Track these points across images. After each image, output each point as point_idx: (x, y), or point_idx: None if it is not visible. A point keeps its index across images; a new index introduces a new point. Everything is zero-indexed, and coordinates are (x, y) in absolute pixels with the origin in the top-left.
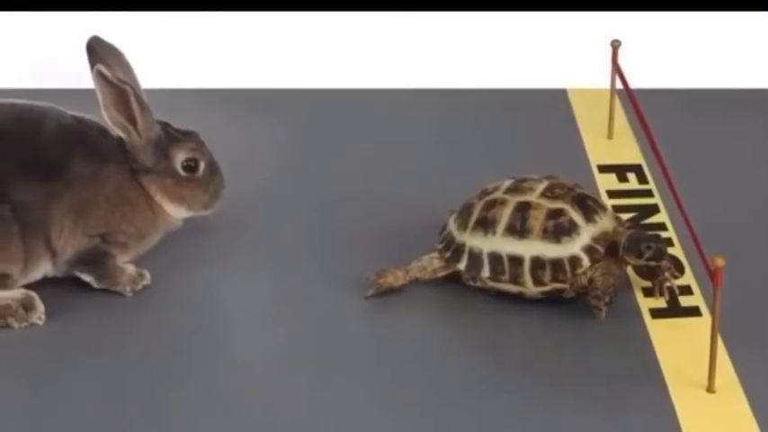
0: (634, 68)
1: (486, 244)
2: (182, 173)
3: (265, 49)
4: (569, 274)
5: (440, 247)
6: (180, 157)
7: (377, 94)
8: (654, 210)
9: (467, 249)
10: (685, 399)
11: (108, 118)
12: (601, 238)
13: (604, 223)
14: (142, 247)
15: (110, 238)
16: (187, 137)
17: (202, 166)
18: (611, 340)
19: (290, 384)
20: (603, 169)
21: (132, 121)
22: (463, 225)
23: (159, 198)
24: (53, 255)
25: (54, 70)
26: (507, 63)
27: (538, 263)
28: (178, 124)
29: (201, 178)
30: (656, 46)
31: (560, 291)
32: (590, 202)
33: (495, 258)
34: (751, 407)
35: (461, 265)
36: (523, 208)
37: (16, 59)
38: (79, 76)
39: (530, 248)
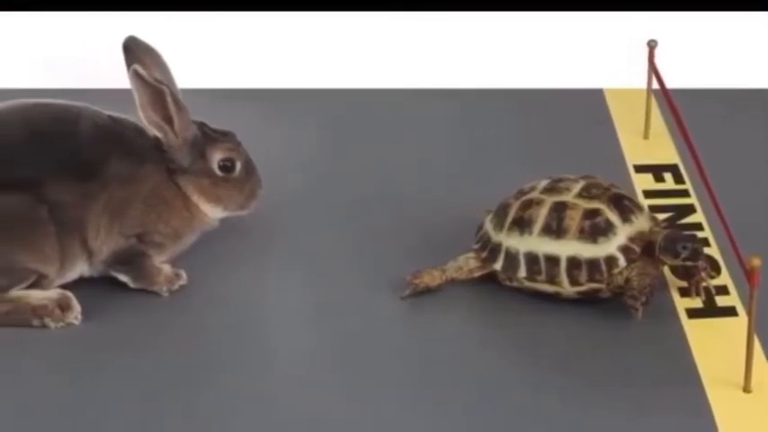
0: (670, 68)
1: (522, 244)
2: (218, 173)
3: (302, 49)
4: (605, 274)
5: (476, 247)
6: (216, 157)
7: (413, 94)
8: (690, 210)
9: (503, 249)
10: (721, 398)
11: (144, 118)
12: (637, 237)
13: (641, 223)
14: (178, 247)
15: (146, 239)
16: (224, 137)
17: (239, 166)
18: (647, 340)
19: (326, 385)
20: (640, 169)
21: (169, 121)
22: (499, 225)
23: (196, 198)
24: (89, 255)
25: (90, 70)
26: (544, 63)
27: (574, 263)
28: (215, 124)
29: (238, 178)
30: (692, 46)
31: (597, 291)
32: (626, 202)
33: (532, 258)
34: None
35: (498, 265)
36: (560, 208)
37: (52, 60)
38: (116, 76)
39: (566, 248)
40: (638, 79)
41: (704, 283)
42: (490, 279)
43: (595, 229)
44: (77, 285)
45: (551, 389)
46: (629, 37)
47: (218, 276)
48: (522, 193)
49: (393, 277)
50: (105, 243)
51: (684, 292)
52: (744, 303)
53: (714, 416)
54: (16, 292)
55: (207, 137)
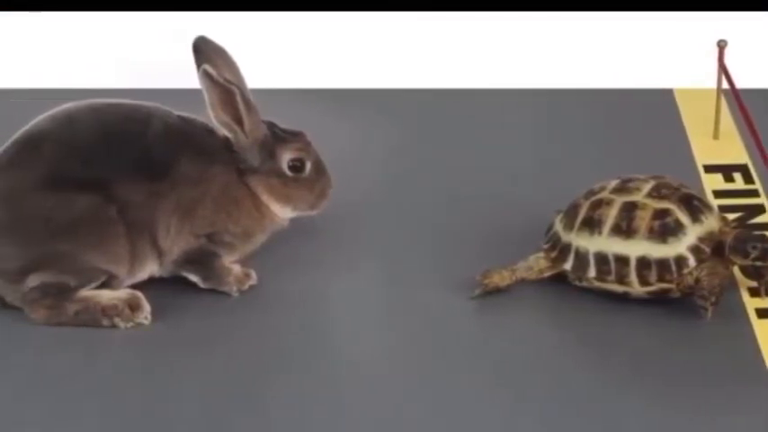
0: (740, 68)
1: (592, 244)
2: (288, 173)
3: (373, 48)
4: (675, 275)
5: (546, 246)
6: (286, 156)
7: (483, 94)
8: (760, 210)
9: (573, 249)
10: None
11: (214, 118)
12: (707, 238)
13: (710, 223)
14: (248, 247)
15: (216, 238)
16: (293, 137)
17: (309, 165)
18: (717, 340)
19: (397, 384)
20: (709, 169)
21: (238, 121)
22: (569, 225)
23: (265, 198)
24: (159, 255)
25: (160, 70)
26: (614, 63)
27: (644, 263)
28: (285, 124)
29: (308, 178)
30: (762, 46)
31: (666, 291)
32: (696, 202)
33: (602, 258)
34: None
35: (567, 265)
36: (630, 208)
37: (123, 60)
38: (185, 76)
39: (636, 248)
40: (708, 79)
41: None
42: (560, 279)
43: (665, 230)
44: (147, 285)
45: (621, 389)
46: (699, 37)
47: (289, 276)
48: (592, 193)
49: (463, 277)
50: (175, 243)
51: (754, 292)
52: None
53: None
54: (86, 292)
55: (277, 137)
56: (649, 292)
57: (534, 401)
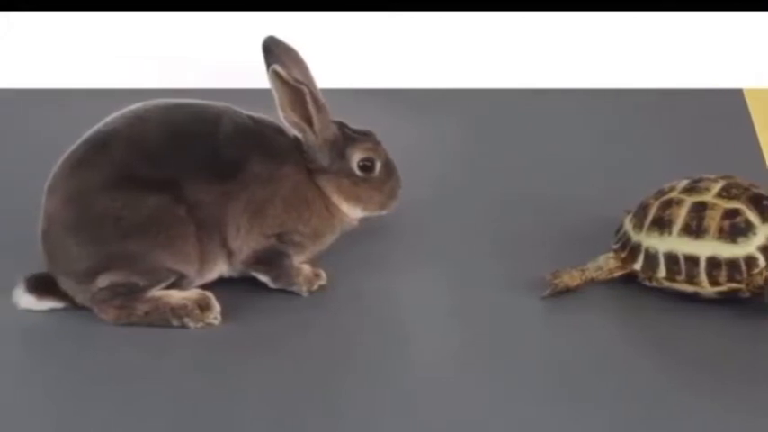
0: None
1: (662, 244)
2: (358, 173)
3: (443, 48)
4: (745, 275)
5: (616, 247)
6: (356, 156)
7: (551, 93)
8: None
9: (643, 249)
10: None
11: (284, 118)
12: None
13: None
14: (318, 247)
15: (286, 238)
16: (363, 137)
17: (378, 165)
18: None
19: (466, 383)
20: None
21: (308, 121)
22: (639, 225)
23: (335, 198)
24: (229, 255)
25: (230, 70)
26: (684, 63)
27: (713, 263)
28: (355, 124)
29: (378, 178)
30: None
31: (736, 291)
32: (766, 202)
33: (672, 258)
34: None
35: (637, 265)
36: (699, 208)
37: (193, 60)
38: (255, 76)
39: (706, 248)
40: None
41: None
42: (630, 279)
43: (735, 229)
44: (217, 286)
45: (691, 388)
46: None
47: (358, 276)
48: (661, 193)
49: (533, 277)
50: (245, 243)
51: None
52: None
53: None
54: (156, 293)
55: (346, 137)
56: (719, 293)
57: (603, 401)
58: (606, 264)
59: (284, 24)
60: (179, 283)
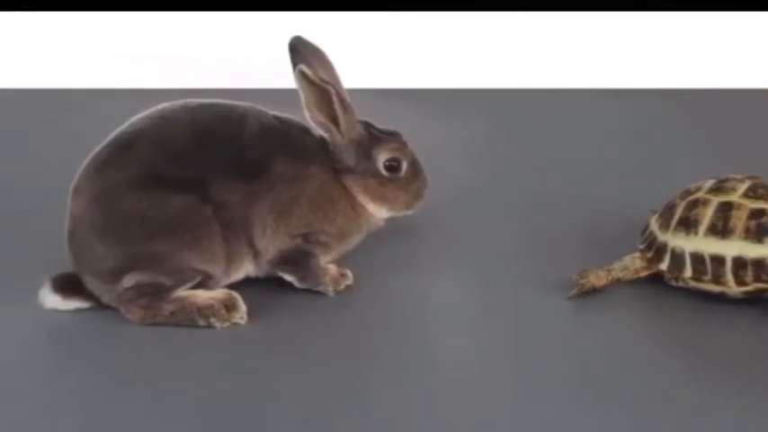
0: None
1: (688, 244)
2: (384, 173)
3: (467, 48)
4: None
5: (642, 247)
6: (382, 157)
7: (578, 93)
8: None
9: (669, 249)
10: None
11: (310, 118)
12: None
13: None
14: (344, 247)
15: (312, 238)
16: (390, 137)
17: (405, 165)
18: None
19: (492, 383)
20: None
21: (334, 121)
22: (665, 225)
23: (361, 198)
24: (255, 255)
25: (256, 70)
26: (711, 63)
27: (740, 263)
28: (381, 124)
29: (404, 178)
30: None
31: (762, 291)
32: None
33: (698, 258)
34: None
35: (664, 265)
36: (726, 208)
37: (218, 60)
38: (281, 75)
39: (732, 248)
40: None
41: None
42: (656, 279)
43: (761, 229)
44: (243, 285)
45: (718, 389)
46: None
47: (384, 276)
48: (688, 193)
49: (559, 277)
50: (271, 243)
51: None
52: None
53: None
54: (182, 292)
55: (373, 137)
56: (745, 293)
57: (628, 402)
58: (632, 264)
59: (309, 24)
60: (205, 283)
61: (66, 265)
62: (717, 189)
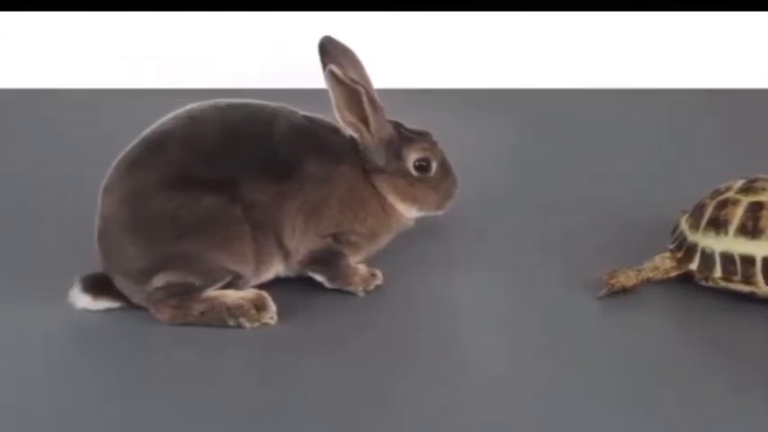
0: None
1: (718, 244)
2: (414, 173)
3: (497, 48)
4: None
5: (672, 247)
6: (412, 157)
7: (608, 94)
8: None
9: (699, 249)
10: None
11: (340, 118)
12: None
13: None
14: (374, 247)
15: (342, 238)
16: (419, 137)
17: (434, 165)
18: None
19: (522, 384)
20: None
21: (364, 121)
22: (695, 225)
23: (391, 198)
24: (285, 255)
25: (286, 70)
26: (741, 63)
27: None
28: (411, 124)
29: (434, 178)
30: None
31: None
32: None
33: (727, 258)
34: None
35: (693, 266)
36: (756, 208)
37: (248, 60)
38: (311, 76)
39: (762, 248)
40: None
41: None
42: (686, 279)
43: None
44: (273, 285)
45: (748, 389)
46: None
47: (414, 276)
48: (717, 193)
49: (589, 277)
50: (301, 243)
51: None
52: None
53: None
54: (211, 292)
55: (402, 137)
56: None
57: (658, 402)
58: (662, 264)
59: (339, 24)
60: (235, 283)
61: (96, 265)
62: (747, 189)
